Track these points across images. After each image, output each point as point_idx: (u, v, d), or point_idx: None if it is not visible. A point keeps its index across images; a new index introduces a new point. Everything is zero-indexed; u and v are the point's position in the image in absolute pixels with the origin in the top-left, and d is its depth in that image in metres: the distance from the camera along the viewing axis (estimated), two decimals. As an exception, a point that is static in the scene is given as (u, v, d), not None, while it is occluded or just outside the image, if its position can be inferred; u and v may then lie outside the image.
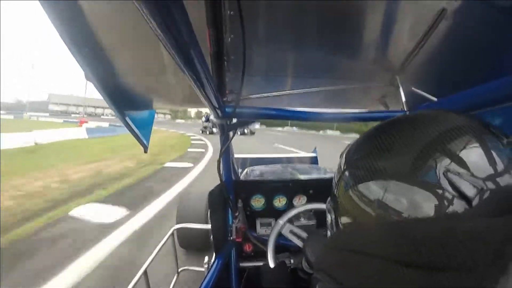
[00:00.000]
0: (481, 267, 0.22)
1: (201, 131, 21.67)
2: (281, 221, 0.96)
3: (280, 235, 0.96)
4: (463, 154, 0.27)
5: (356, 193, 0.33)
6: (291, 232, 0.95)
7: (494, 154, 0.27)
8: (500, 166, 0.26)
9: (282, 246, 0.99)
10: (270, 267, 0.85)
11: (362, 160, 0.34)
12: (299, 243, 0.91)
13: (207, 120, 20.50)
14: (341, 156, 0.40)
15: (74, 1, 0.43)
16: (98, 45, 0.57)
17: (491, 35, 0.56)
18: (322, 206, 1.03)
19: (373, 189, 0.30)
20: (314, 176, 2.16)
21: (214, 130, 19.83)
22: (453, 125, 0.29)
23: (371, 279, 0.27)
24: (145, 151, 1.11)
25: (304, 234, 0.93)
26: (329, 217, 0.42)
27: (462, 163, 0.26)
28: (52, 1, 0.43)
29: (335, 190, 0.39)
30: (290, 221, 0.98)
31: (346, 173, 0.36)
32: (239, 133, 16.26)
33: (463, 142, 0.28)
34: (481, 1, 0.48)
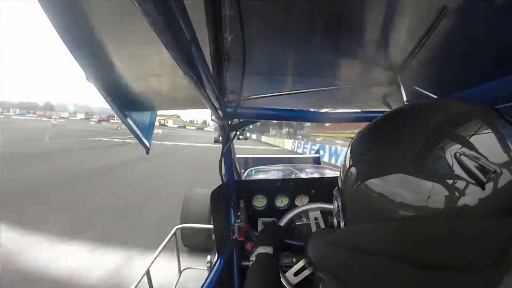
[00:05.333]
0: (486, 267, 0.22)
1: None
2: (313, 205, 0.97)
3: (290, 222, 0.98)
4: (475, 139, 0.25)
5: (360, 189, 0.31)
6: (316, 219, 0.98)
7: (508, 140, 0.25)
8: None
9: (284, 245, 0.99)
10: (276, 225, 0.88)
11: (366, 154, 0.32)
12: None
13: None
14: (347, 149, 0.38)
15: (74, 1, 0.43)
16: (98, 46, 0.57)
17: (493, 33, 0.55)
18: None
19: (377, 185, 0.29)
20: (316, 175, 2.15)
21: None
22: (461, 111, 0.27)
23: (374, 278, 0.26)
24: (147, 153, 1.11)
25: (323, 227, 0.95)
26: (336, 208, 0.41)
27: (473, 148, 0.24)
28: (52, 1, 0.43)
29: (341, 186, 0.37)
30: (301, 216, 1.01)
31: (351, 168, 0.34)
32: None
33: (474, 128, 0.25)
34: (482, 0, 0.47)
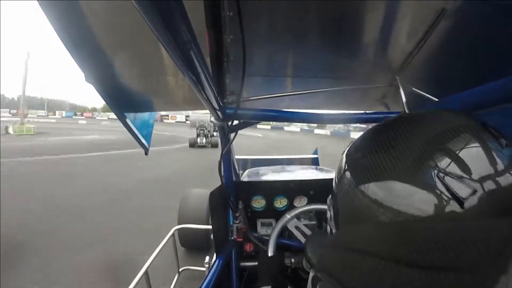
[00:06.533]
0: (482, 267, 0.22)
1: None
2: (288, 215, 0.97)
3: (282, 234, 0.96)
4: (461, 154, 0.26)
5: (357, 192, 0.32)
6: (297, 228, 0.96)
7: (493, 154, 0.26)
8: (499, 166, 0.26)
9: (283, 246, 0.99)
10: (266, 258, 0.86)
11: (362, 160, 0.33)
12: (302, 239, 0.92)
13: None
14: (342, 155, 0.40)
15: (74, 1, 0.43)
16: (98, 47, 0.57)
17: (491, 35, 0.55)
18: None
19: (374, 188, 0.30)
20: (315, 177, 2.15)
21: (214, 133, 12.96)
22: (452, 125, 0.29)
23: (372, 279, 0.27)
24: (146, 153, 1.11)
25: (309, 232, 0.94)
26: (330, 216, 0.42)
27: (460, 163, 0.26)
28: (51, 1, 0.43)
29: (336, 189, 0.38)
30: (297, 218, 0.99)
31: (347, 172, 0.36)
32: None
33: (461, 142, 0.27)
34: (481, 1, 0.48)
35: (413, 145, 0.29)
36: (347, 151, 0.39)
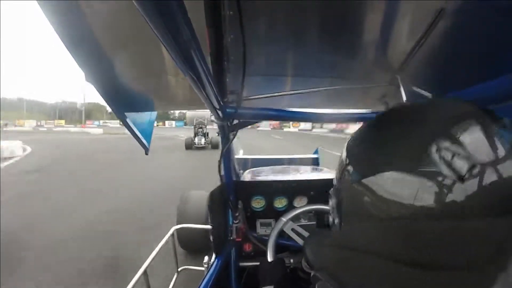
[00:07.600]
0: (483, 265, 0.22)
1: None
2: (284, 219, 0.97)
3: (280, 235, 0.96)
4: (464, 144, 0.26)
5: (357, 189, 0.31)
6: (293, 230, 0.96)
7: (496, 142, 0.25)
8: (503, 155, 0.25)
9: (282, 246, 0.99)
10: (268, 263, 0.85)
11: (362, 154, 0.33)
12: (300, 241, 0.92)
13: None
14: (342, 149, 0.39)
15: (74, 1, 0.43)
16: (98, 46, 0.57)
17: (490, 34, 0.56)
18: (325, 207, 1.04)
19: (374, 184, 0.29)
20: (315, 177, 2.15)
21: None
22: (454, 113, 0.28)
23: (372, 278, 0.26)
24: (146, 153, 1.11)
25: (305, 233, 0.93)
26: (331, 215, 0.42)
27: (462, 154, 0.25)
28: (51, 1, 0.43)
29: (337, 186, 0.38)
30: (293, 220, 0.98)
31: (347, 168, 0.35)
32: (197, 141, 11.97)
33: (464, 130, 0.26)
34: (479, 1, 0.48)
35: (414, 137, 0.28)
36: (347, 146, 0.38)
